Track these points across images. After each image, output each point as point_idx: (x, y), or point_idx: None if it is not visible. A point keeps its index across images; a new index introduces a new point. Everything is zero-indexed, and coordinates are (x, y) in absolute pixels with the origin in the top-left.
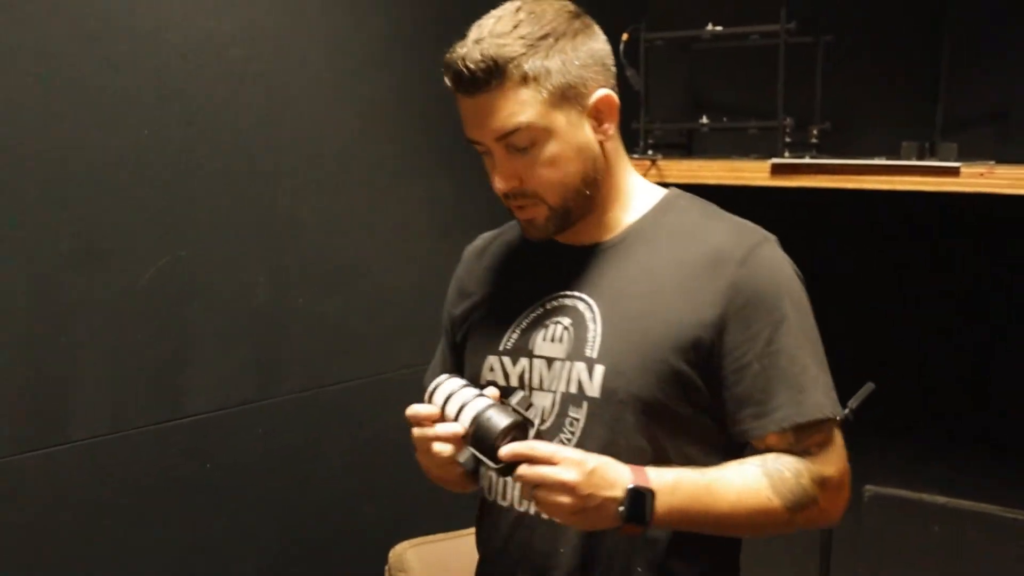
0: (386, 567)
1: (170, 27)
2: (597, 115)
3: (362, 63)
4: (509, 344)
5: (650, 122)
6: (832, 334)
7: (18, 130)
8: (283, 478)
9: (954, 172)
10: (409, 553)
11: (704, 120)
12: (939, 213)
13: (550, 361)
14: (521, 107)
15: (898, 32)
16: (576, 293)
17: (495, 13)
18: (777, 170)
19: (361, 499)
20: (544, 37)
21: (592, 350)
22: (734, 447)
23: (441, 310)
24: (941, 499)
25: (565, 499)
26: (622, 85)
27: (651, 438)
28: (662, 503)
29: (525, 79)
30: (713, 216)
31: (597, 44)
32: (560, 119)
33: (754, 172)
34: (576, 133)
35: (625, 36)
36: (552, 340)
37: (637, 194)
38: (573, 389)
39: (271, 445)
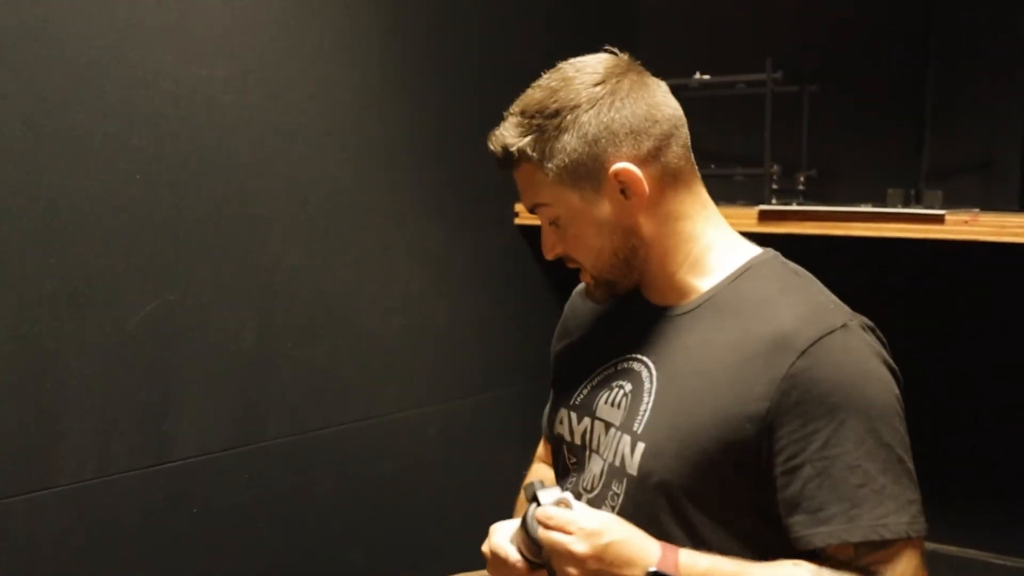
0: None
1: (162, 73)
2: (621, 188)
3: (353, 110)
4: (578, 400)
5: None
6: None
7: (6, 174)
8: (270, 523)
9: (939, 219)
10: None
11: None
12: (925, 256)
13: (607, 426)
14: (535, 187)
15: (882, 81)
16: (642, 357)
17: (538, 82)
18: (765, 216)
19: (349, 545)
20: (555, 114)
21: (640, 424)
22: (786, 549)
23: (429, 355)
24: (931, 545)
25: (572, 571)
26: None
27: (688, 528)
28: None
29: (532, 162)
30: (792, 290)
31: (619, 113)
32: (573, 197)
33: (741, 218)
34: (593, 210)
35: None
36: (612, 404)
37: (717, 257)
38: (618, 462)
39: (258, 490)
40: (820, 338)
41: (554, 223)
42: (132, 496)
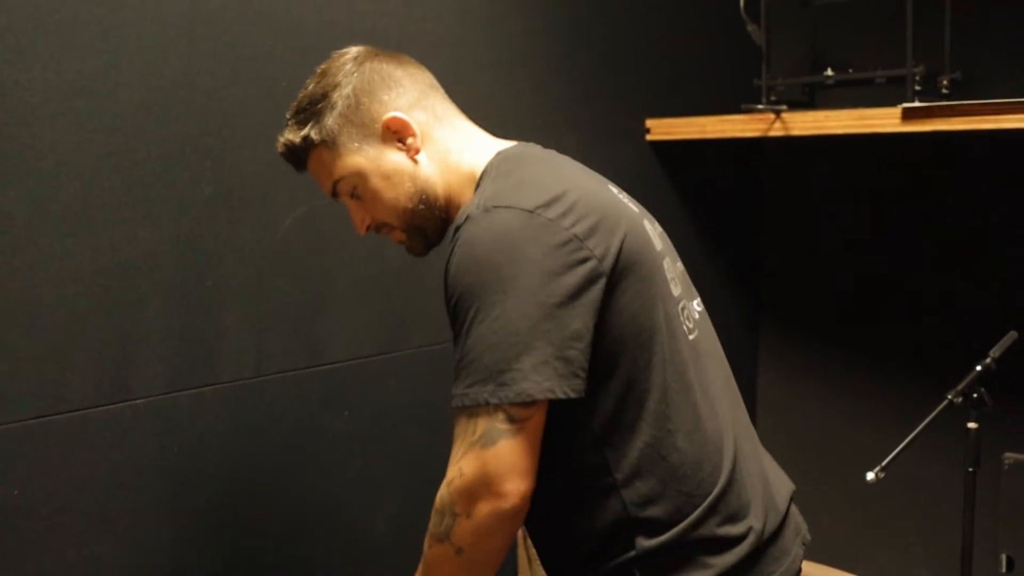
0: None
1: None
2: (396, 135)
3: (489, 24)
4: None
5: (772, 78)
6: (971, 284)
7: (163, 77)
8: (415, 430)
9: None
10: None
11: (829, 73)
12: None
13: None
14: (328, 169)
15: None
16: None
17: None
18: (909, 115)
19: None
20: (323, 97)
21: None
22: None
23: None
24: None
25: None
26: (741, 41)
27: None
28: None
29: (317, 145)
30: (486, 182)
31: (375, 76)
32: (360, 160)
33: (884, 119)
34: (380, 165)
35: None
36: None
37: (471, 185)
38: None
39: (402, 396)
40: (454, 238)
41: (354, 195)
42: (286, 396)
